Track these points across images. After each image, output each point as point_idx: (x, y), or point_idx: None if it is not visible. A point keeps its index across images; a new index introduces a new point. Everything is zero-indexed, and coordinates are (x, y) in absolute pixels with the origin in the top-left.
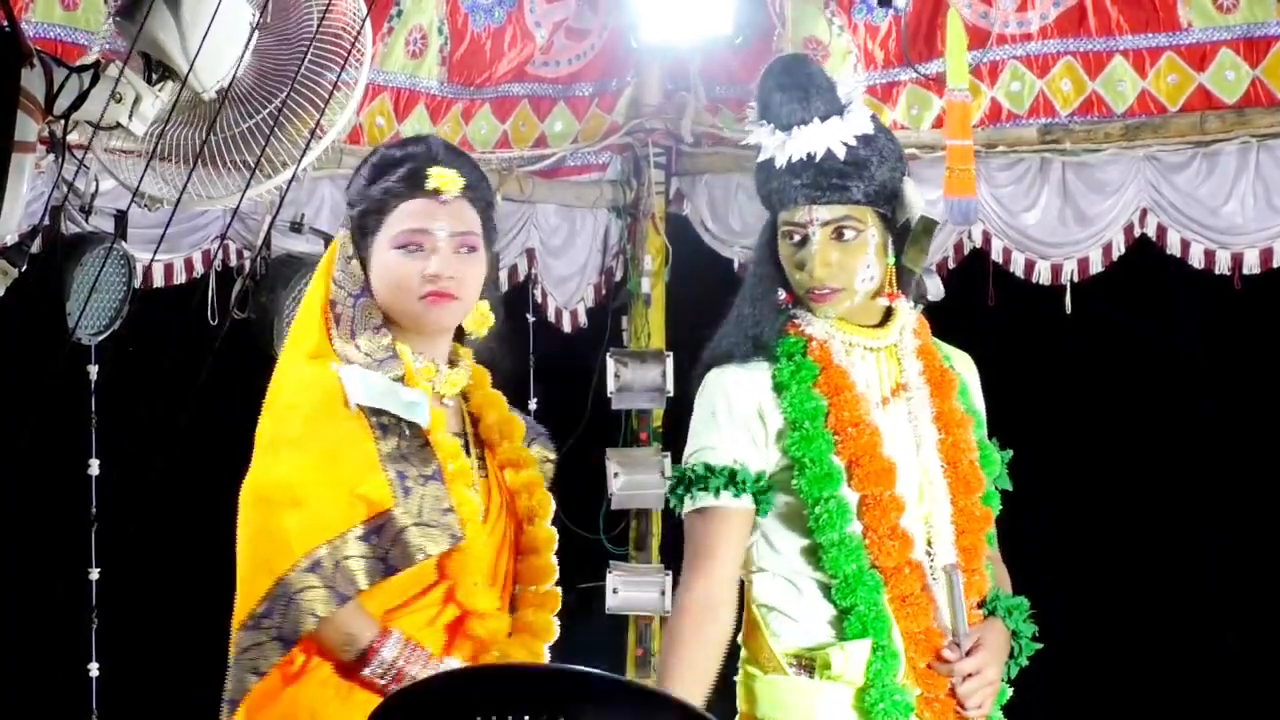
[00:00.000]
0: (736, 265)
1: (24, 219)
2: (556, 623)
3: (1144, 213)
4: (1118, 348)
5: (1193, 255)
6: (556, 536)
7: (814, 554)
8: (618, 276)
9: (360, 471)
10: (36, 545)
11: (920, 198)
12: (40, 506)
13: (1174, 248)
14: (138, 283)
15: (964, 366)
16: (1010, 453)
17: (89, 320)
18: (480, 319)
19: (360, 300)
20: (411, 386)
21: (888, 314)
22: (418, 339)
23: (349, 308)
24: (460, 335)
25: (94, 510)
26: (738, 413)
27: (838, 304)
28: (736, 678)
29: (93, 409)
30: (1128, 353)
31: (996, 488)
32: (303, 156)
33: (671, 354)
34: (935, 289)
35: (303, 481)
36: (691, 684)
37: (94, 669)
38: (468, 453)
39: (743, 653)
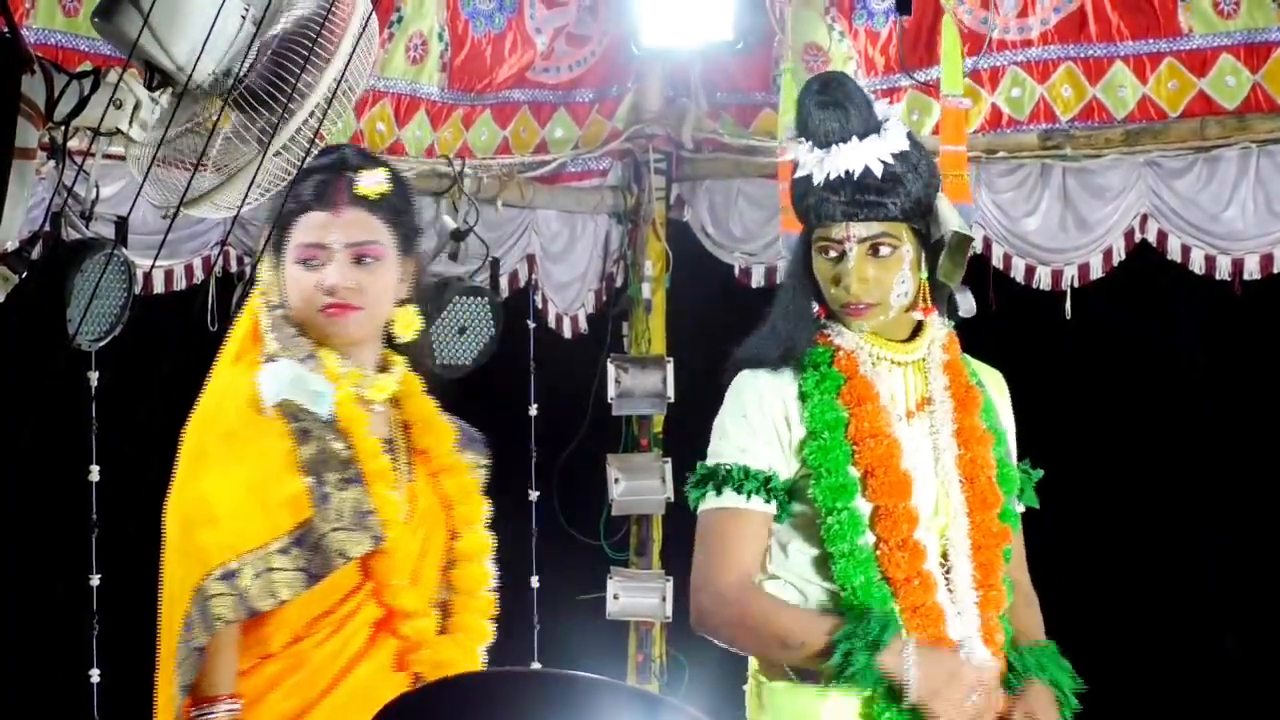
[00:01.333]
0: (737, 271)
1: (24, 225)
2: (491, 627)
3: (1144, 218)
4: (1118, 352)
5: (1193, 261)
6: (491, 543)
7: (824, 563)
8: (618, 282)
9: (279, 483)
10: (37, 551)
11: (954, 213)
12: (40, 512)
13: (1174, 253)
14: (138, 288)
15: (993, 385)
16: (1040, 473)
17: (89, 326)
18: (407, 322)
19: (278, 311)
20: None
21: (917, 328)
22: (343, 345)
23: (268, 318)
24: (391, 340)
25: (94, 516)
26: (768, 417)
27: (873, 319)
28: (746, 686)
29: (93, 415)
30: (1128, 357)
31: (1024, 507)
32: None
33: (672, 360)
34: (967, 305)
35: (221, 498)
36: (794, 613)
37: (95, 675)
38: (395, 458)
39: (751, 660)
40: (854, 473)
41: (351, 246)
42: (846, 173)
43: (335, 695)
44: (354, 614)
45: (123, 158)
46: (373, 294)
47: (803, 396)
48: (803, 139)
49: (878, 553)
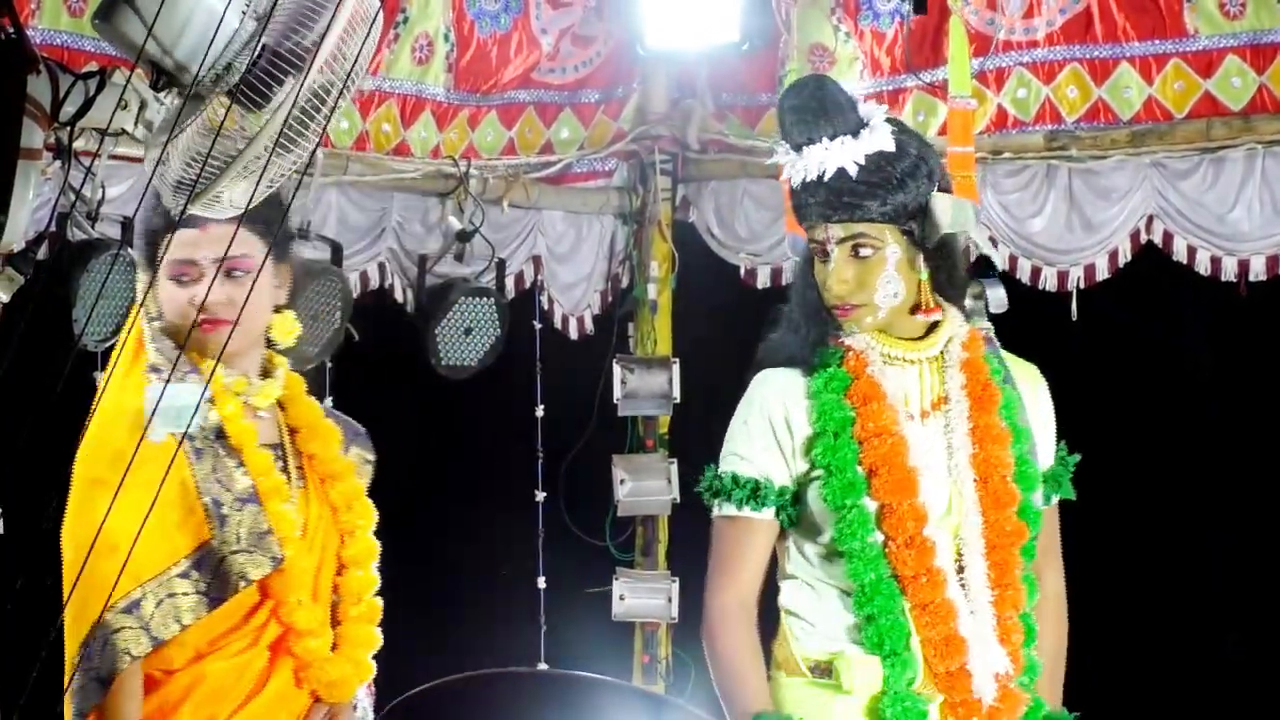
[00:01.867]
0: (743, 272)
1: (30, 226)
2: (379, 633)
3: (1150, 219)
4: (1124, 353)
5: (1199, 262)
6: (377, 548)
7: (836, 562)
8: (624, 283)
9: (176, 505)
10: (42, 552)
11: (950, 214)
12: (46, 513)
13: (1180, 254)
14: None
15: (1027, 380)
16: (1077, 457)
17: (95, 327)
18: (286, 328)
19: (156, 323)
20: (224, 401)
21: (933, 326)
22: (233, 356)
23: (149, 330)
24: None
25: (104, 517)
26: (766, 420)
27: (860, 320)
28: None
29: None
30: (1134, 358)
31: (1059, 499)
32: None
33: (678, 360)
34: (998, 300)
35: (118, 524)
36: (757, 679)
37: None
38: (284, 464)
39: (772, 656)
40: (861, 471)
41: (220, 261)
42: (819, 175)
43: (248, 710)
44: (257, 631)
45: (129, 159)
46: (246, 307)
47: (811, 396)
48: (782, 142)
49: (886, 550)
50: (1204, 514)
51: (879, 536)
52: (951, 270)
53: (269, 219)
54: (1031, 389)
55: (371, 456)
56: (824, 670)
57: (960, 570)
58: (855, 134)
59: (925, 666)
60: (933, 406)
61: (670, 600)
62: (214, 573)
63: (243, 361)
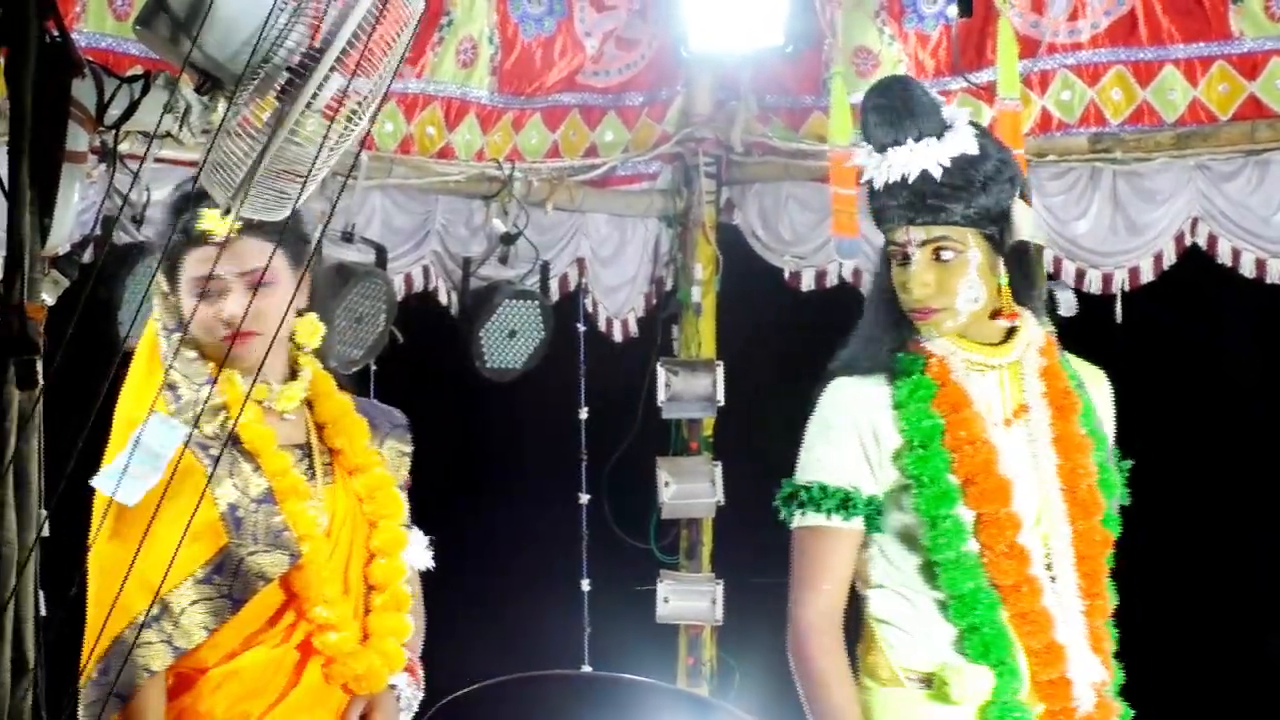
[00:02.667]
0: (787, 274)
1: (75, 229)
2: (410, 620)
3: (1195, 222)
4: (1169, 355)
5: (1243, 264)
6: (406, 539)
7: (930, 571)
8: (668, 286)
9: (192, 513)
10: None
11: (1030, 220)
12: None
13: (1225, 257)
14: None
15: (1094, 383)
16: (1130, 463)
17: (140, 330)
18: (310, 331)
19: (175, 334)
20: (238, 408)
21: (1010, 332)
22: (248, 368)
23: (166, 344)
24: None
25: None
26: (853, 429)
27: (939, 324)
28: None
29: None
30: (1179, 360)
31: (1120, 506)
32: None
33: (722, 363)
34: (1068, 303)
35: (133, 538)
36: (850, 691)
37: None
38: (311, 463)
39: (860, 665)
40: (954, 480)
41: (245, 275)
42: (903, 177)
43: (282, 708)
44: (287, 630)
45: (173, 162)
46: (271, 317)
47: (896, 405)
48: (863, 143)
49: (983, 559)
50: (1248, 514)
51: (974, 545)
52: (1029, 275)
53: (282, 228)
54: (1099, 392)
55: (408, 449)
56: (925, 680)
57: (1052, 580)
58: (939, 136)
59: (1028, 677)
60: (1014, 415)
61: (714, 603)
62: (234, 574)
63: (264, 369)
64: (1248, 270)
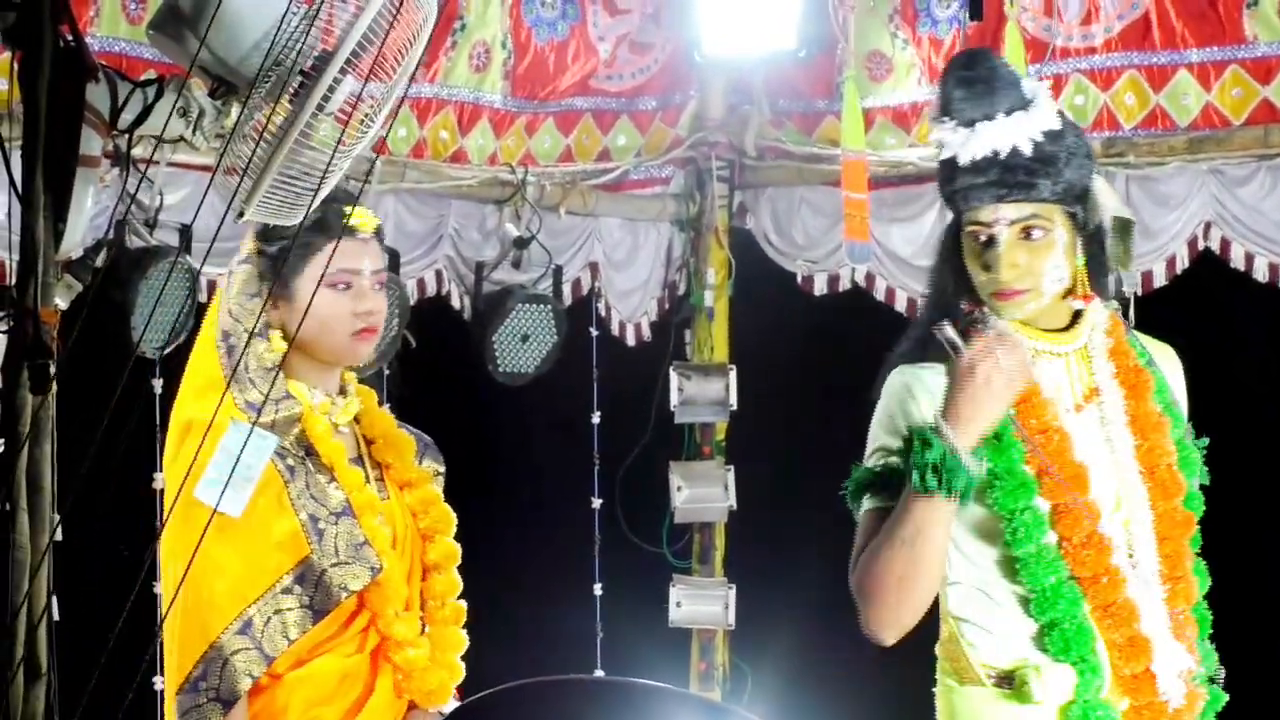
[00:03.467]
0: (799, 279)
1: (89, 233)
2: (465, 635)
3: (1208, 226)
4: (1182, 360)
5: (1257, 268)
6: (458, 552)
7: (1009, 566)
8: (681, 290)
9: (275, 522)
10: (101, 560)
11: (1113, 197)
12: (105, 520)
13: (1238, 261)
14: (202, 296)
15: (1166, 361)
16: (1206, 440)
17: (153, 334)
18: (276, 347)
19: (258, 340)
20: (313, 421)
21: (1074, 316)
22: (313, 374)
23: (242, 345)
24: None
25: (159, 524)
26: (917, 418)
27: (1023, 305)
28: (935, 689)
29: (157, 422)
30: (1192, 365)
31: (1200, 485)
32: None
33: (734, 368)
34: (1131, 281)
35: (222, 544)
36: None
37: (160, 683)
38: (366, 478)
39: (940, 664)
40: (1029, 471)
41: (375, 274)
42: (994, 152)
43: (361, 717)
44: (360, 636)
45: (187, 166)
46: (384, 318)
47: None
48: (945, 119)
49: (1063, 551)
50: (1259, 518)
51: (1053, 538)
52: (1102, 255)
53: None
54: (1171, 369)
55: (442, 468)
56: (1006, 679)
57: (1134, 566)
58: (1026, 109)
59: (1110, 671)
60: (1085, 399)
61: (727, 607)
62: (316, 585)
63: (326, 381)
64: (1261, 275)
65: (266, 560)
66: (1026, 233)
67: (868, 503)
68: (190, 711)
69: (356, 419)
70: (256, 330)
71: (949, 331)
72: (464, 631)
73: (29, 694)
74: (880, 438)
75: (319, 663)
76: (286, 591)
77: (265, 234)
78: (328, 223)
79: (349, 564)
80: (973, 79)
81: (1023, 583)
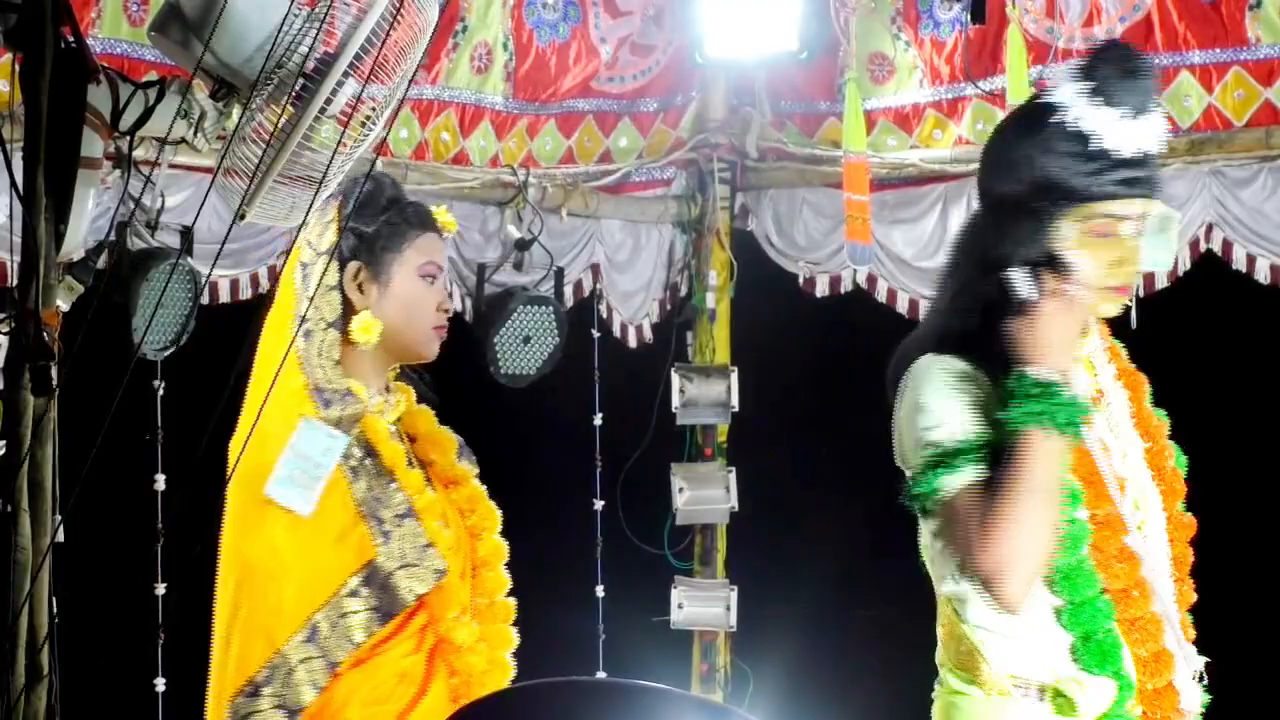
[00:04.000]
0: (801, 280)
1: (90, 235)
2: (515, 632)
3: (1209, 228)
4: (1184, 362)
5: (1258, 270)
6: (505, 549)
7: (1044, 576)
8: (683, 292)
9: (341, 524)
10: (103, 561)
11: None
12: (107, 522)
13: (1239, 263)
14: (204, 298)
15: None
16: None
17: (155, 335)
18: (369, 328)
19: (331, 330)
20: (375, 423)
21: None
22: (370, 371)
23: (321, 334)
24: None
25: (160, 526)
26: (970, 395)
27: (1124, 302)
28: (935, 696)
29: (159, 424)
30: (1194, 367)
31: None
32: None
33: (736, 369)
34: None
35: (289, 545)
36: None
37: (160, 684)
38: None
39: (951, 674)
40: (1075, 481)
41: (444, 275)
42: (1156, 146)
43: (411, 717)
44: (419, 635)
45: (188, 167)
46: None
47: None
48: (1102, 103)
49: (1095, 563)
50: (1263, 519)
51: (1085, 550)
52: None
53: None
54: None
55: (476, 470)
56: (1040, 691)
57: (1154, 579)
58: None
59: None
60: (1093, 402)
61: (729, 609)
62: (382, 588)
63: (380, 379)
64: (1262, 276)
65: (333, 563)
66: (1141, 230)
67: (966, 477)
68: (249, 716)
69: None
70: (333, 321)
71: (1019, 276)
72: (514, 629)
73: (31, 695)
74: (939, 415)
75: (379, 661)
76: (353, 595)
77: (357, 214)
78: (420, 216)
79: (415, 566)
80: (1140, 69)
81: (1059, 594)
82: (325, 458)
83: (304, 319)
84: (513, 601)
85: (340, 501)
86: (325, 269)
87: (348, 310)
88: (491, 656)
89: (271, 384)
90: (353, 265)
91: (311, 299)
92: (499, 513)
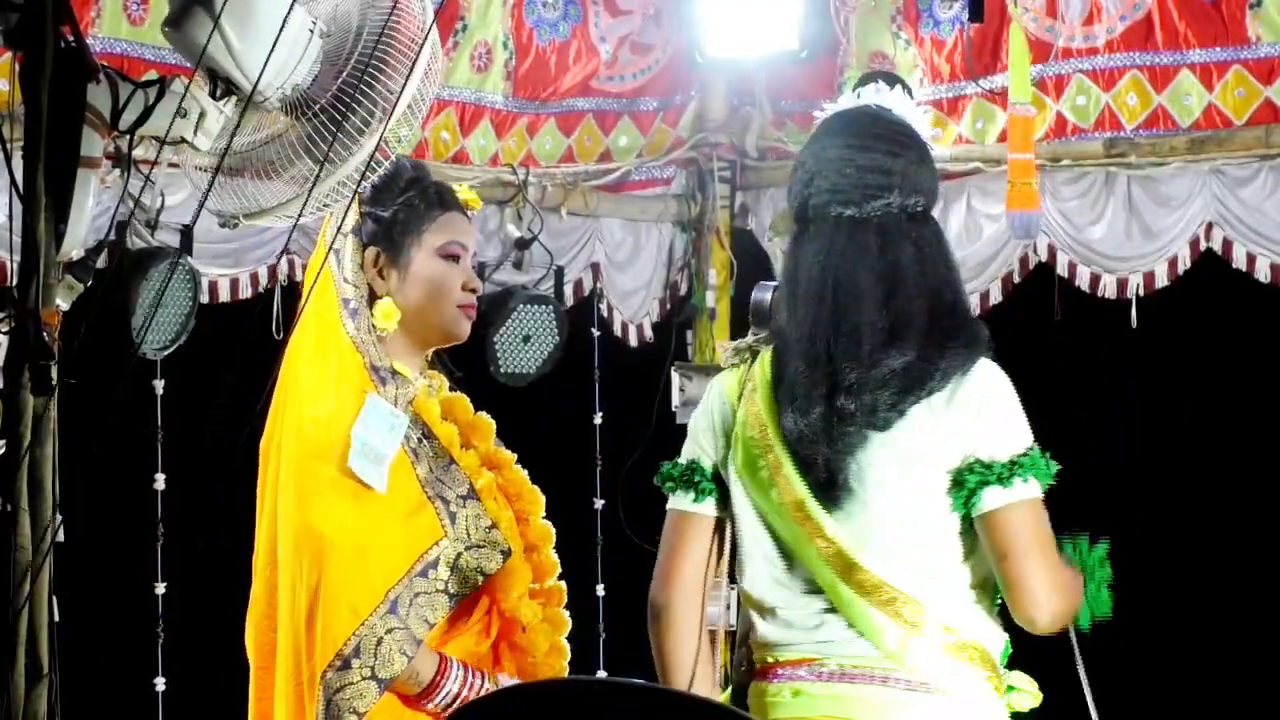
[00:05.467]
0: None
1: (90, 234)
2: (568, 615)
3: (1210, 226)
4: (1185, 361)
5: (1259, 269)
6: (552, 532)
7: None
8: (682, 291)
9: (409, 504)
10: (103, 560)
11: None
12: (107, 521)
13: (1240, 262)
14: (203, 297)
15: None
16: None
17: (154, 335)
18: (388, 315)
19: (368, 313)
20: (428, 405)
21: None
22: (409, 355)
23: (365, 309)
24: None
25: (160, 525)
26: None
27: None
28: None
29: (158, 423)
30: (1195, 366)
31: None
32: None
33: None
34: None
35: (362, 523)
36: None
37: (160, 683)
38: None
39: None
40: None
41: (474, 256)
42: None
43: None
44: (483, 623)
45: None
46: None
47: None
48: None
49: None
50: (1260, 518)
51: None
52: None
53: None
54: None
55: (514, 456)
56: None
57: None
58: None
59: None
60: None
61: (729, 607)
62: (451, 568)
63: (420, 362)
64: (1263, 275)
65: (405, 542)
66: None
67: (1027, 492)
68: (344, 689)
69: None
70: (368, 302)
71: None
72: (566, 612)
73: (31, 694)
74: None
75: (451, 648)
76: (422, 575)
77: (375, 199)
78: (440, 196)
79: (482, 548)
80: None
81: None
82: (391, 435)
83: (347, 301)
84: (564, 584)
85: (406, 481)
86: (349, 252)
87: (372, 296)
88: (552, 639)
89: (275, 366)
90: (371, 251)
91: (348, 280)
92: (543, 497)
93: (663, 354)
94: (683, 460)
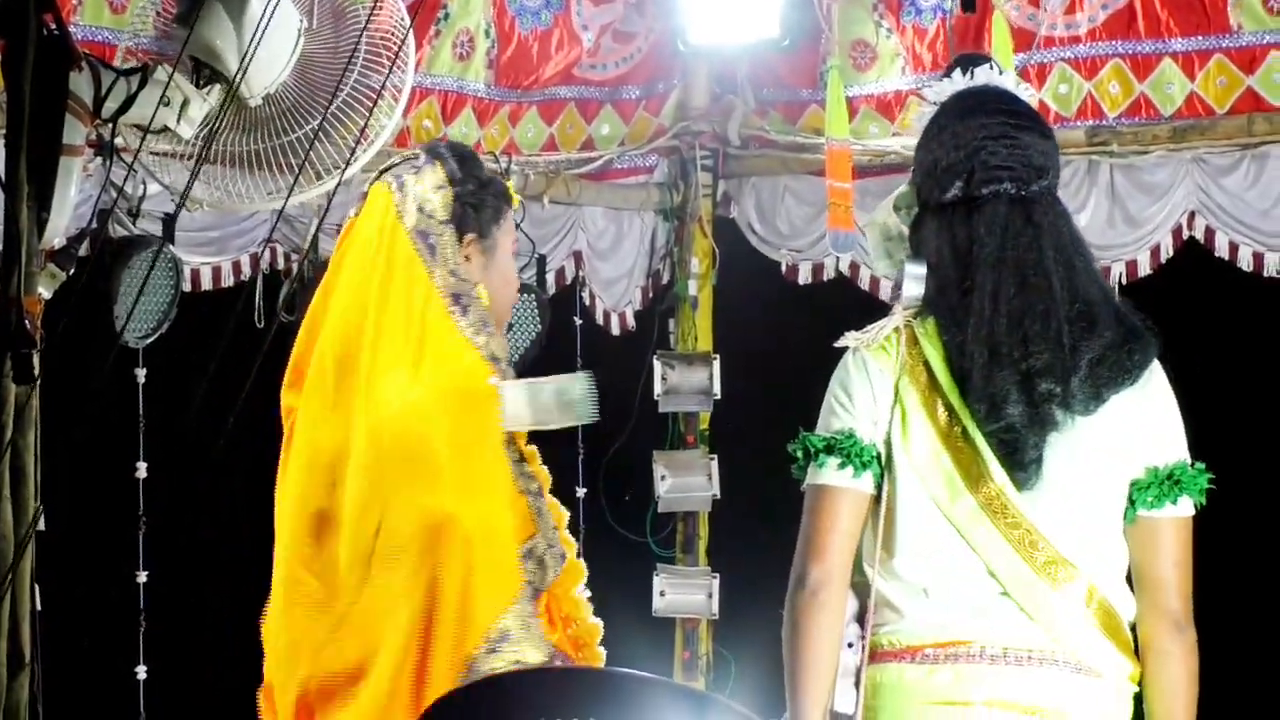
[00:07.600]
0: (784, 268)
1: (72, 222)
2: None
3: (1192, 215)
4: (1167, 349)
5: (1241, 258)
6: (565, 515)
7: None
8: (665, 279)
9: (510, 492)
10: (85, 548)
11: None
12: (88, 509)
13: (1222, 250)
14: (185, 286)
15: None
16: None
17: (136, 323)
18: (488, 301)
19: (479, 303)
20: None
21: None
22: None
23: (476, 309)
24: None
25: (142, 513)
26: None
27: None
28: None
29: (140, 412)
30: (1176, 354)
31: None
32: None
33: (718, 357)
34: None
35: (493, 511)
36: None
37: (141, 671)
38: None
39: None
40: None
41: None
42: None
43: None
44: (546, 614)
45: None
46: None
47: None
48: None
49: None
50: (1244, 507)
51: None
52: None
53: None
54: None
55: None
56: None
57: None
58: None
59: None
60: None
61: (711, 596)
62: (538, 562)
63: None
64: (1245, 263)
65: (509, 527)
66: None
67: None
68: (519, 597)
69: None
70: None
71: None
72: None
73: (13, 683)
74: None
75: None
76: (521, 563)
77: (465, 187)
78: (506, 192)
79: (553, 546)
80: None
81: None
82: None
83: (459, 295)
84: (582, 563)
85: (505, 471)
86: (449, 243)
87: None
88: (594, 634)
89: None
90: (469, 238)
91: (455, 274)
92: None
93: (645, 342)
94: (831, 432)
